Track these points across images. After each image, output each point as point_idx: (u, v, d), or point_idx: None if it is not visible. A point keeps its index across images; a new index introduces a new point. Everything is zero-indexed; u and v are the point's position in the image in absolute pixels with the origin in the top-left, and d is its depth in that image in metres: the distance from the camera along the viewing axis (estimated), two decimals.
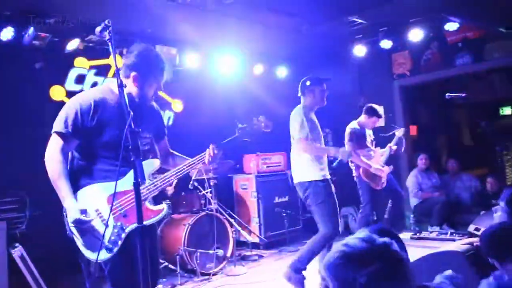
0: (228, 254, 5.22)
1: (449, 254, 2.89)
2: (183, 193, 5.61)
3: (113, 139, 2.38)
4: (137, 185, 1.88)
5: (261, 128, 2.96)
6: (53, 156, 2.33)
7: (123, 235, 2.33)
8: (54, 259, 4.62)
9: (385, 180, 5.47)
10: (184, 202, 5.55)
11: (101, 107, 2.41)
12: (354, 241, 1.29)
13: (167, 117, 6.62)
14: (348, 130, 5.49)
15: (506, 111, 8.92)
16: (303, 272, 4.03)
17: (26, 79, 4.96)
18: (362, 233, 1.36)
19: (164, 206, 2.54)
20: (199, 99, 6.72)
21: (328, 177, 4.37)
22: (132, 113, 2.03)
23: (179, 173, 2.61)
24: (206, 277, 4.92)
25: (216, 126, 6.77)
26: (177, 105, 6.69)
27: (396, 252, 1.28)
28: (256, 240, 6.22)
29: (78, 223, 2.23)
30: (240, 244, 6.10)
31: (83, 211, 2.26)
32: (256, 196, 6.36)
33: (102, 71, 5.89)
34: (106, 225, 2.27)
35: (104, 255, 2.30)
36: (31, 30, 4.74)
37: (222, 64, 6.54)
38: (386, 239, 1.30)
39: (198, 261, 4.89)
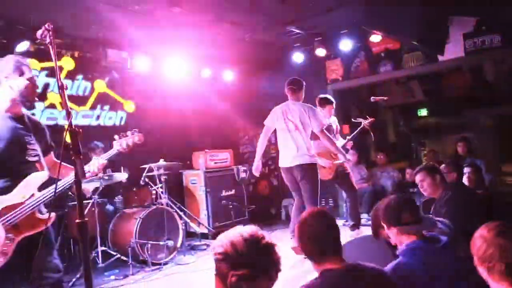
0: (178, 245, 5.18)
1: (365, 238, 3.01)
2: (134, 189, 5.51)
3: None
4: (78, 183, 1.82)
5: (135, 141, 2.92)
6: None
7: (13, 245, 2.33)
8: None
9: (334, 171, 5.39)
10: (135, 197, 5.46)
11: None
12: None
13: (119, 117, 6.46)
14: None
15: (422, 112, 9.38)
16: None
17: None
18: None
19: (52, 215, 2.47)
20: (150, 100, 6.61)
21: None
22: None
23: (66, 186, 2.50)
24: (158, 266, 4.85)
25: (167, 125, 6.69)
26: (129, 106, 6.53)
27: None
28: (205, 230, 6.20)
29: None
30: (190, 235, 6.06)
31: None
32: (204, 190, 6.34)
33: (53, 72, 5.61)
34: None
35: None
36: None
37: (172, 67, 6.45)
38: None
39: (149, 252, 4.84)
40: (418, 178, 3.33)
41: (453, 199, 3.09)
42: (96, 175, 2.86)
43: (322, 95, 5.69)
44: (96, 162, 2.66)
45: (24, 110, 2.61)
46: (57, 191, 2.35)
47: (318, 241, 1.86)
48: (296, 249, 4.29)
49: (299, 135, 4.72)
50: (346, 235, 5.21)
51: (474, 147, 6.60)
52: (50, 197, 2.43)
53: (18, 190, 2.40)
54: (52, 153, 2.83)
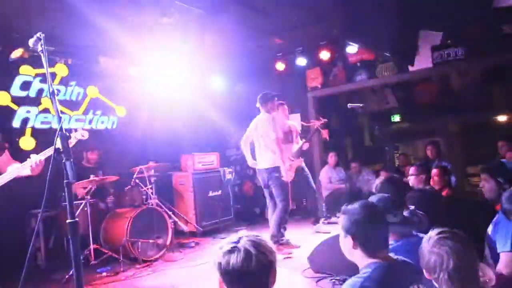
0: (168, 243, 5.12)
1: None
2: (126, 189, 5.43)
3: None
4: (68, 184, 1.79)
5: (79, 137, 3.18)
6: None
7: None
8: None
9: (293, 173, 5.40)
10: (126, 197, 5.37)
11: None
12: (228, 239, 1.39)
13: (111, 121, 6.38)
14: None
15: (396, 118, 9.49)
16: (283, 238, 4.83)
17: None
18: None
19: None
20: (141, 105, 6.56)
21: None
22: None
23: (6, 178, 2.75)
24: (147, 263, 4.78)
25: (156, 129, 6.64)
26: (121, 111, 6.46)
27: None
28: (193, 229, 6.16)
29: None
30: (178, 233, 5.99)
31: None
32: (192, 191, 6.28)
33: (46, 78, 5.54)
34: None
35: None
36: None
37: (161, 74, 6.41)
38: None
39: (139, 250, 4.78)
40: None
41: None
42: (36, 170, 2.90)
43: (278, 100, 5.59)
44: (34, 159, 2.80)
45: None
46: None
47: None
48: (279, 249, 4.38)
49: (265, 143, 5.02)
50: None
51: (442, 150, 6.71)
52: None
53: None
54: (6, 151, 3.11)
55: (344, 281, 2.26)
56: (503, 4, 5.18)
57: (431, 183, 3.84)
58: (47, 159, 2.84)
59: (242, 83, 7.74)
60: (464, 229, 1.70)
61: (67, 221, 1.76)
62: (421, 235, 2.18)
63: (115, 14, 4.65)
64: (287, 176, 5.12)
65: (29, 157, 2.86)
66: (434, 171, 3.92)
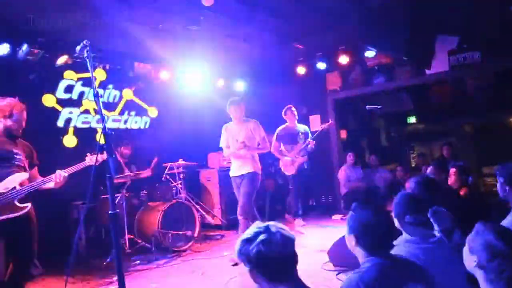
0: (195, 234, 5.16)
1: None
2: (157, 185, 5.51)
3: None
4: (110, 178, 1.83)
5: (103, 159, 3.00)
6: None
7: None
8: None
9: (297, 168, 5.59)
10: (158, 192, 5.45)
11: None
12: (249, 230, 1.42)
13: (144, 121, 6.48)
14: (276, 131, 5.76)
15: (411, 120, 9.30)
16: None
17: (22, 88, 4.68)
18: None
19: (28, 205, 2.81)
20: (171, 106, 6.63)
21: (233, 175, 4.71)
22: None
23: (33, 188, 2.83)
24: (177, 253, 4.84)
25: (185, 129, 6.70)
26: (153, 112, 6.55)
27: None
28: (219, 222, 6.20)
29: None
30: (205, 226, 6.04)
31: None
32: (219, 187, 6.32)
33: (88, 82, 5.68)
34: None
35: None
36: (24, 46, 4.56)
37: (189, 78, 6.46)
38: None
39: (170, 241, 4.85)
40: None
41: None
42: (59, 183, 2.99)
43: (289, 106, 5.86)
44: (58, 174, 2.90)
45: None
46: (29, 189, 2.78)
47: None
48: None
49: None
50: None
51: (457, 151, 6.54)
52: (25, 192, 2.77)
53: (3, 183, 2.72)
54: (35, 167, 3.12)
55: None
56: None
57: (449, 182, 3.73)
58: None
59: (264, 86, 7.73)
60: None
61: (109, 212, 1.80)
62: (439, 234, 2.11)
63: (147, 23, 4.72)
64: (289, 169, 5.54)
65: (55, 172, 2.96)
66: (452, 170, 3.80)
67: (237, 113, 4.58)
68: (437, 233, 2.11)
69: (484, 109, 8.28)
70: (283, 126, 5.74)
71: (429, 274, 1.69)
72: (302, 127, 5.80)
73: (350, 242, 1.78)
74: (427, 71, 6.26)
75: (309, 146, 5.61)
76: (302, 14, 4.89)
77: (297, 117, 5.72)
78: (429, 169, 3.57)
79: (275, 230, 1.36)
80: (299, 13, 4.84)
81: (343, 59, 6.47)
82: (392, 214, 2.18)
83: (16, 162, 2.85)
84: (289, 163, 5.58)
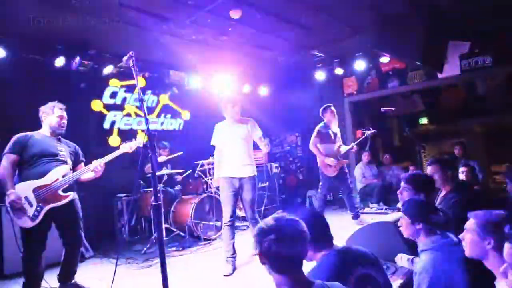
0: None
1: (384, 223, 2.90)
2: (190, 180, 5.58)
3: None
4: (154, 173, 1.86)
5: (137, 145, 3.16)
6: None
7: (42, 212, 2.78)
8: None
9: (338, 170, 5.11)
10: (191, 187, 5.51)
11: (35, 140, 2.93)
12: (268, 219, 1.37)
13: (178, 123, 6.58)
14: (316, 128, 5.21)
15: (423, 121, 9.04)
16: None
17: (74, 95, 4.88)
18: (277, 214, 1.41)
19: (70, 194, 2.94)
20: (202, 110, 6.69)
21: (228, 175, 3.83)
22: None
23: (73, 178, 2.96)
24: (208, 241, 4.89)
25: (213, 129, 6.74)
26: (186, 114, 6.65)
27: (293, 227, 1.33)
28: (244, 214, 6.19)
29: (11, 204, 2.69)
30: None
31: (18, 197, 2.72)
32: None
33: (129, 89, 5.84)
34: (31, 205, 2.75)
35: (28, 223, 2.74)
36: (77, 59, 4.74)
37: (219, 84, 6.51)
38: (293, 219, 1.36)
39: (201, 230, 4.89)
40: (430, 170, 2.95)
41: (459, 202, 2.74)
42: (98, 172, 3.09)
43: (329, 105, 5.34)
44: (95, 164, 3.00)
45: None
46: (70, 180, 2.91)
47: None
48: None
49: None
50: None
51: (468, 150, 6.31)
52: (67, 182, 2.90)
53: (49, 175, 2.85)
54: (82, 163, 3.22)
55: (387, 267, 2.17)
56: None
57: (464, 179, 3.61)
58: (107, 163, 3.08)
59: (286, 90, 7.71)
60: None
61: (152, 203, 1.83)
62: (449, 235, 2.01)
63: (182, 36, 4.79)
64: (330, 171, 5.02)
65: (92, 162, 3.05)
66: (464, 168, 3.69)
67: (235, 112, 4.01)
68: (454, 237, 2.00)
69: (494, 110, 7.97)
70: (322, 124, 5.23)
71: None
72: (335, 128, 5.33)
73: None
74: (439, 75, 6.07)
75: (352, 150, 5.34)
76: (321, 24, 4.84)
77: (336, 116, 5.26)
78: (429, 168, 3.25)
79: (288, 227, 1.32)
80: (318, 23, 4.80)
81: (359, 65, 6.37)
82: (406, 220, 2.06)
83: (60, 158, 2.97)
84: (331, 164, 5.05)
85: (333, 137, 5.22)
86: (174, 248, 4.66)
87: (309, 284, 1.31)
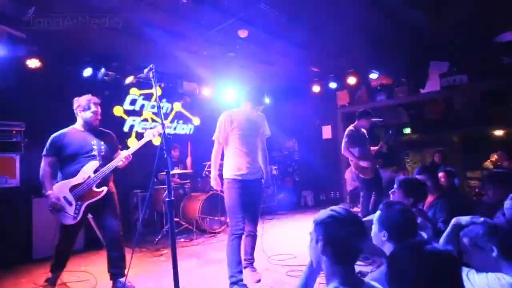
0: (228, 220, 5.17)
1: (369, 221, 2.87)
2: (199, 179, 5.58)
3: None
4: (168, 172, 1.87)
5: (159, 131, 2.98)
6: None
7: (82, 209, 2.67)
8: None
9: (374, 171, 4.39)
10: (199, 185, 5.52)
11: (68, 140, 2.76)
12: (338, 209, 1.25)
13: (189, 128, 6.59)
14: (346, 132, 4.46)
15: (407, 130, 9.03)
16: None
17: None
18: (342, 205, 1.32)
19: (104, 188, 2.76)
20: (211, 117, 6.67)
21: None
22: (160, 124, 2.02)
23: (104, 173, 2.77)
24: (213, 234, 4.89)
25: None
26: (196, 121, 6.66)
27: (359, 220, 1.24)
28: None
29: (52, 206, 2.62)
30: None
31: (58, 197, 2.63)
32: None
33: (147, 97, 5.86)
34: (70, 204, 2.65)
35: (71, 221, 2.65)
36: (102, 70, 4.78)
37: (226, 94, 6.53)
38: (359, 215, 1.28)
39: (207, 224, 4.89)
40: (421, 178, 2.75)
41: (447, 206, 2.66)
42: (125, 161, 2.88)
43: (365, 109, 4.70)
44: (126, 153, 2.83)
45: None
46: (102, 175, 2.73)
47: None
48: None
49: None
50: None
51: (446, 157, 6.30)
52: (99, 178, 2.73)
53: (80, 173, 2.69)
54: (119, 150, 2.98)
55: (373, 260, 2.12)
56: (503, 39, 4.86)
57: (442, 183, 3.59)
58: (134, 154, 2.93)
59: (285, 101, 7.72)
60: None
61: (167, 199, 1.83)
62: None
63: (194, 51, 4.81)
64: (369, 173, 4.27)
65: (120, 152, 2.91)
66: (442, 174, 3.67)
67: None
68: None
69: (471, 123, 7.97)
70: (352, 127, 4.43)
71: None
72: (364, 130, 4.56)
73: (381, 237, 1.63)
74: (422, 91, 6.08)
75: (383, 149, 4.73)
76: (318, 44, 4.85)
77: (373, 121, 4.54)
78: (420, 177, 3.21)
79: (361, 223, 1.22)
80: (315, 43, 4.81)
81: (351, 80, 6.38)
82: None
83: (93, 153, 2.76)
84: (367, 166, 4.27)
85: (367, 140, 4.55)
86: (183, 240, 4.67)
87: (361, 283, 1.20)
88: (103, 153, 2.83)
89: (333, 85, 6.63)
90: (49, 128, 3.83)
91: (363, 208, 4.39)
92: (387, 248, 1.60)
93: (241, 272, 2.71)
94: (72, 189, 2.66)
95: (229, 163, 2.90)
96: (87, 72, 4.71)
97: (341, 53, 5.34)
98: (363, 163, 4.28)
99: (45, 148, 2.73)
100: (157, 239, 4.53)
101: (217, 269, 3.36)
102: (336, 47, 5.07)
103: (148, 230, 5.19)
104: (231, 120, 2.91)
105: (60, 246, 2.78)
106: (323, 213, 1.25)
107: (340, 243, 1.18)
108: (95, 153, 2.78)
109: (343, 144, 4.37)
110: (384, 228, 1.62)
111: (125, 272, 2.64)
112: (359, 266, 3.12)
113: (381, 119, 4.74)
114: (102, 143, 2.86)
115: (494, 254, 1.46)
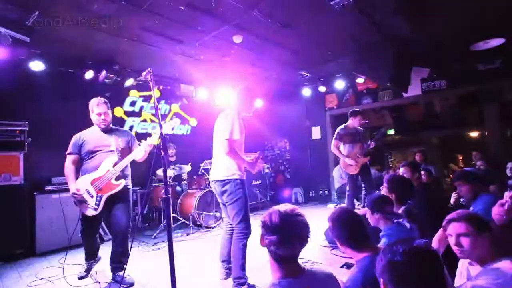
0: (223, 215, 5.13)
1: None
2: (195, 177, 5.55)
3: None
4: (165, 171, 1.85)
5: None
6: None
7: (102, 201, 2.69)
8: None
9: (359, 168, 4.48)
10: (195, 182, 5.49)
11: (87, 138, 2.82)
12: (275, 215, 1.22)
13: (186, 128, 6.55)
14: (336, 130, 4.64)
15: (391, 132, 9.12)
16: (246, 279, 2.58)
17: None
18: (285, 206, 1.27)
19: (122, 181, 2.77)
20: (207, 118, 6.67)
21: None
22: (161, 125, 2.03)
23: (122, 166, 2.78)
24: (208, 229, 4.87)
25: None
26: (193, 121, 6.62)
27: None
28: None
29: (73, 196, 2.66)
30: None
31: (78, 190, 2.66)
32: None
33: (146, 99, 5.81)
34: (91, 196, 2.69)
35: (92, 212, 2.69)
36: (103, 72, 4.71)
37: (222, 96, 6.51)
38: (300, 217, 1.22)
39: (203, 219, 4.86)
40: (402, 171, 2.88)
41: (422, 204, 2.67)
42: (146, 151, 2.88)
43: (355, 108, 4.85)
44: (146, 143, 2.81)
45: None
46: (120, 168, 2.74)
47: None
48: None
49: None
50: None
51: (426, 156, 6.38)
52: (117, 171, 2.74)
53: (101, 167, 2.74)
54: (136, 145, 2.96)
55: None
56: (478, 48, 4.95)
57: (424, 180, 3.64)
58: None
59: (277, 103, 7.73)
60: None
61: (163, 196, 1.81)
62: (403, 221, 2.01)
63: (191, 55, 4.78)
64: (353, 170, 4.41)
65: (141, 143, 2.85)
66: (423, 172, 3.72)
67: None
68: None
69: (449, 124, 8.08)
70: (342, 126, 4.64)
71: None
72: (359, 128, 4.70)
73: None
74: (404, 95, 6.14)
75: (370, 147, 4.64)
76: (308, 50, 4.87)
77: (361, 121, 4.63)
78: (402, 169, 3.29)
79: (293, 228, 1.18)
80: (306, 49, 4.83)
81: (339, 84, 6.42)
82: (368, 212, 2.06)
83: (111, 148, 2.79)
84: (353, 163, 4.45)
85: (358, 137, 4.61)
86: (180, 234, 4.64)
87: (301, 271, 1.22)
88: (121, 148, 2.86)
89: (322, 88, 6.65)
90: (51, 128, 3.80)
91: (348, 202, 4.55)
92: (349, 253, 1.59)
93: (245, 271, 2.57)
94: (93, 182, 2.70)
95: (232, 163, 2.72)
96: (89, 74, 4.65)
97: (330, 59, 5.36)
98: (348, 161, 4.44)
99: (68, 148, 2.80)
100: (155, 234, 4.49)
101: (212, 262, 3.35)
102: (325, 53, 5.09)
103: (147, 225, 5.15)
104: (241, 123, 2.81)
105: (86, 233, 2.83)
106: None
107: (271, 250, 1.20)
108: (113, 148, 2.81)
109: (332, 142, 4.54)
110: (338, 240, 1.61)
111: (125, 267, 2.62)
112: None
113: (366, 121, 4.78)
114: (120, 139, 2.89)
115: None
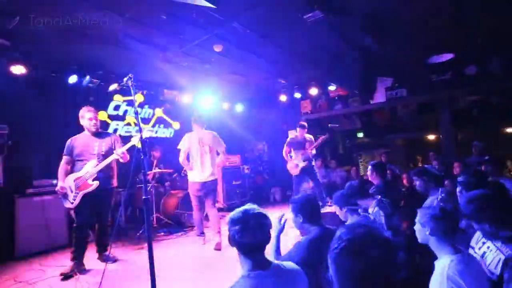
0: (204, 215, 5.09)
1: (329, 213, 2.97)
2: (177, 178, 5.46)
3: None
4: (145, 173, 1.81)
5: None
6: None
7: (78, 196, 2.96)
8: None
9: (299, 170, 4.99)
10: (178, 183, 5.41)
11: (76, 143, 3.09)
12: (237, 211, 1.30)
13: (169, 131, 6.43)
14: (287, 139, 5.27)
15: (360, 135, 9.39)
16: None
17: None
18: (247, 206, 1.35)
19: (96, 182, 3.02)
20: (190, 122, 6.54)
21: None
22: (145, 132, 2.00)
23: (98, 168, 3.05)
24: (190, 228, 4.78)
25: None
26: (176, 125, 6.51)
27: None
28: (221, 206, 6.14)
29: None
30: None
31: (62, 187, 2.95)
32: (222, 180, 6.27)
33: (130, 103, 5.64)
34: (71, 191, 2.97)
35: (69, 205, 2.98)
36: (87, 77, 4.55)
37: (204, 101, 6.46)
38: (260, 212, 1.29)
39: (186, 219, 4.79)
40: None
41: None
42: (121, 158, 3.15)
43: (302, 122, 5.41)
44: (119, 151, 3.09)
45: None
46: (95, 170, 3.00)
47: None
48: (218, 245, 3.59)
49: (210, 156, 3.87)
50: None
51: (391, 157, 6.61)
52: (93, 173, 3.00)
53: (83, 169, 3.03)
54: (116, 147, 3.23)
55: None
56: (433, 61, 5.24)
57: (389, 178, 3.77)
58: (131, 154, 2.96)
59: (257, 108, 7.76)
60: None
61: (143, 197, 1.77)
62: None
63: (174, 61, 4.72)
64: (294, 171, 5.01)
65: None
66: (389, 171, 3.86)
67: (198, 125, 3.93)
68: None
69: (410, 128, 8.43)
70: (292, 135, 5.28)
71: None
72: (308, 136, 5.16)
73: (298, 221, 1.83)
74: (371, 101, 6.36)
75: (326, 139, 5.13)
76: (285, 59, 4.94)
77: (306, 130, 5.14)
78: (369, 167, 3.38)
79: (253, 220, 1.21)
80: (283, 58, 4.90)
81: (313, 91, 6.55)
82: (337, 209, 2.17)
83: (94, 152, 3.07)
84: (294, 167, 5.07)
85: (306, 145, 5.08)
86: (162, 233, 4.54)
87: (268, 264, 1.24)
88: (102, 153, 3.12)
89: (297, 95, 6.76)
90: (32, 131, 3.63)
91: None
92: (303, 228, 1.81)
93: None
94: (75, 180, 2.99)
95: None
96: (73, 79, 4.46)
97: (304, 68, 5.46)
98: (288, 165, 5.13)
99: (64, 149, 3.07)
100: (138, 234, 4.37)
101: (193, 259, 3.30)
102: (300, 62, 5.18)
103: (131, 225, 4.99)
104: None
105: (75, 229, 3.01)
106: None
107: (236, 241, 1.24)
108: (95, 152, 3.09)
109: (284, 149, 5.13)
110: (299, 213, 1.82)
111: (108, 248, 3.18)
112: None
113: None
114: (104, 144, 3.16)
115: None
